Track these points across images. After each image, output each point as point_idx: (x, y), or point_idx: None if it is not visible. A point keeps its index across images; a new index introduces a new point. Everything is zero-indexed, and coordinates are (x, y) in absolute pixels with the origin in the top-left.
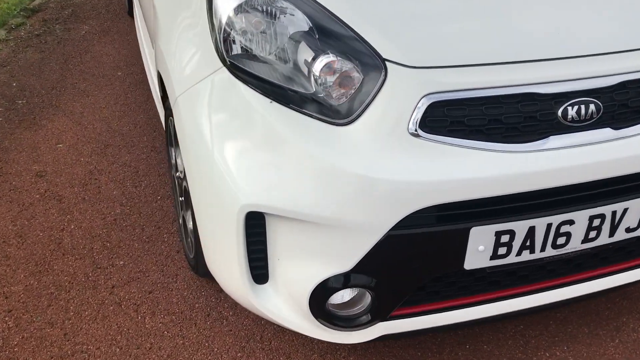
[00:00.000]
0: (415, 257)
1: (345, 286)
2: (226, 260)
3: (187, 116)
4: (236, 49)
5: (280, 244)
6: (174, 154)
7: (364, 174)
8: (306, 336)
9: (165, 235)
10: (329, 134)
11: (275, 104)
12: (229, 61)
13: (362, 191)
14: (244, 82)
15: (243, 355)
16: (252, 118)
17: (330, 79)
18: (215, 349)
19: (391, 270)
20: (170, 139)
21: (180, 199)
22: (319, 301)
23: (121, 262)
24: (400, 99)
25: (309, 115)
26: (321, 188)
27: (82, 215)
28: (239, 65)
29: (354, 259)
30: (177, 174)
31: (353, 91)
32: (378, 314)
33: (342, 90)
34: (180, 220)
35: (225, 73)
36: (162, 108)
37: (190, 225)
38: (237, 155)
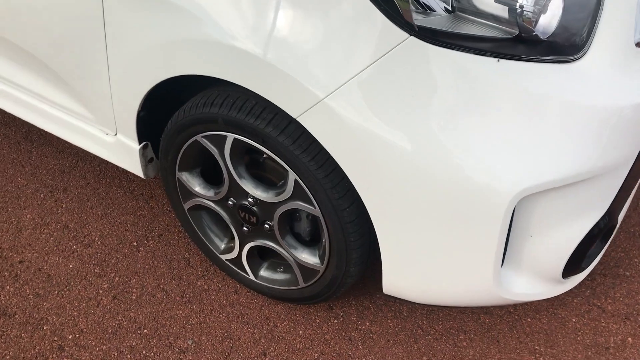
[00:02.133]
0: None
1: (604, 230)
2: (449, 267)
3: (359, 115)
4: (417, 11)
5: (533, 219)
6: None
7: (628, 104)
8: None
9: (219, 284)
10: (572, 73)
11: (503, 61)
12: (417, 26)
13: (633, 123)
14: (448, 47)
15: (426, 352)
16: (477, 87)
17: (538, 11)
18: None
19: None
20: (182, 163)
21: (246, 229)
22: (577, 259)
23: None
24: (621, 11)
25: (542, 61)
26: (595, 139)
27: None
28: (434, 27)
29: (609, 198)
30: (247, 200)
31: (568, 19)
32: (607, 236)
33: (555, 20)
34: (234, 255)
35: (413, 45)
36: (132, 123)
37: (302, 256)
38: (480, 140)
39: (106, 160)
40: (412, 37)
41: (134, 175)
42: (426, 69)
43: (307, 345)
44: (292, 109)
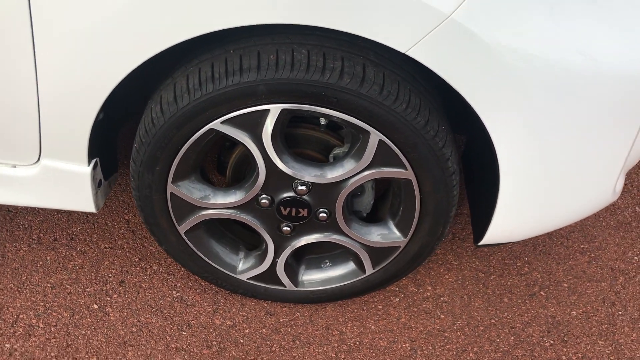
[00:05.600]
0: None
1: None
2: (575, 184)
3: (493, 27)
4: None
5: None
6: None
7: None
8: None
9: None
10: None
11: None
12: None
13: None
14: None
15: (502, 291)
16: None
17: None
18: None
19: None
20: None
21: (287, 228)
22: None
23: None
24: None
25: None
26: None
27: None
28: None
29: None
30: (293, 191)
31: None
32: None
33: None
34: (263, 268)
35: None
36: None
37: (374, 236)
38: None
39: None
40: None
41: (31, 216)
42: None
43: (391, 339)
44: (401, 41)
